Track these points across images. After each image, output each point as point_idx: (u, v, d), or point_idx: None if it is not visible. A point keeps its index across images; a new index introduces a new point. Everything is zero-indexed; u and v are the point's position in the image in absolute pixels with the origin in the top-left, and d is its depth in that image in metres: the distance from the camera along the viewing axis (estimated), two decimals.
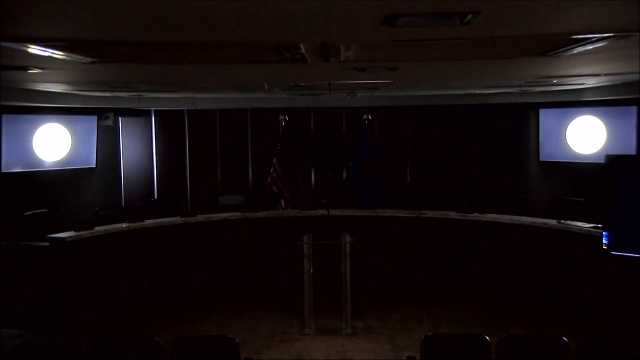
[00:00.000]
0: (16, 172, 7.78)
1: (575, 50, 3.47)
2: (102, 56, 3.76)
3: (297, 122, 9.38)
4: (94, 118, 8.81)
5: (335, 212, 7.68)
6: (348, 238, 6.42)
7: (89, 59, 3.77)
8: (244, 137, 9.92)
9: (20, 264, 6.40)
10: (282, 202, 8.26)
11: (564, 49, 3.44)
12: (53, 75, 5.02)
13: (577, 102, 8.28)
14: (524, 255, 7.23)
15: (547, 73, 5.47)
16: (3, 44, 3.04)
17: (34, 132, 8.05)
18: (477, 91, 8.23)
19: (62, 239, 6.50)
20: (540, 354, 3.66)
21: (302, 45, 3.30)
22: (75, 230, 6.69)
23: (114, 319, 6.67)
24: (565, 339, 3.60)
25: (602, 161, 6.49)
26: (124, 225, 7.26)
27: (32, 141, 8.03)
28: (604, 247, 6.18)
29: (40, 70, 4.48)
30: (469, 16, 2.35)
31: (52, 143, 8.28)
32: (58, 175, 8.45)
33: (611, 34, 2.96)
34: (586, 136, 8.41)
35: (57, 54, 3.45)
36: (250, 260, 7.98)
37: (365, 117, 8.52)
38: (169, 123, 9.89)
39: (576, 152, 8.56)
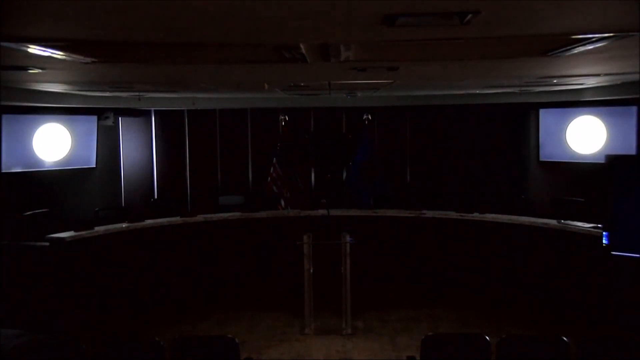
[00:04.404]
0: (16, 172, 7.79)
1: (575, 50, 3.47)
2: (102, 56, 3.76)
3: (297, 122, 9.39)
4: (94, 118, 8.82)
5: (335, 212, 7.68)
6: (348, 238, 6.42)
7: (89, 59, 3.77)
8: (244, 137, 9.92)
9: (20, 264, 6.40)
10: (282, 202, 8.27)
11: (564, 49, 3.44)
12: (53, 75, 5.02)
13: (577, 102, 8.28)
14: (524, 255, 7.23)
15: (547, 73, 5.47)
16: (3, 44, 3.04)
17: (34, 132, 8.06)
18: (477, 91, 8.23)
19: (62, 239, 6.49)
20: (540, 354, 3.65)
21: (302, 45, 3.31)
22: (75, 230, 6.69)
23: (114, 319, 6.67)
24: (565, 339, 3.60)
25: (602, 161, 6.50)
26: (124, 225, 7.26)
27: (32, 141, 8.04)
28: (604, 247, 6.19)
29: (40, 70, 4.48)
30: (469, 16, 2.35)
31: (52, 143, 8.29)
32: (58, 175, 8.45)
33: (611, 34, 2.97)
34: (586, 136, 8.41)
35: (57, 54, 3.45)
36: (250, 260, 7.97)
37: (365, 117, 8.52)
38: (169, 123, 9.89)
39: (576, 152, 8.56)
